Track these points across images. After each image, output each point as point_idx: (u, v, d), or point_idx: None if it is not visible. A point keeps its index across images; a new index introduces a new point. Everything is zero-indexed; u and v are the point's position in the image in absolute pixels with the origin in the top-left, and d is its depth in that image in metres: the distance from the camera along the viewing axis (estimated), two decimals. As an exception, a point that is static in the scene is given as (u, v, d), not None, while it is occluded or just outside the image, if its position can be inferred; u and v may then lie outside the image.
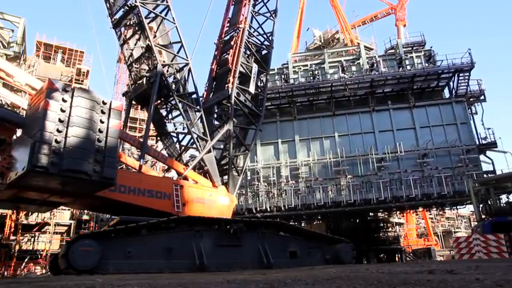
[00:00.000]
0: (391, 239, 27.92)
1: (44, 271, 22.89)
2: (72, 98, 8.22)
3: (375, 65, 24.42)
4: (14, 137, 8.88)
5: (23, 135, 8.26)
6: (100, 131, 8.46)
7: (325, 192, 21.93)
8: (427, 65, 23.99)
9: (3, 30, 23.16)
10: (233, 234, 10.46)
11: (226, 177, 14.85)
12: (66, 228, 27.81)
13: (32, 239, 26.17)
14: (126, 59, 14.27)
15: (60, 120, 7.86)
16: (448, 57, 23.38)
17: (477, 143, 22.17)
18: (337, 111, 24.55)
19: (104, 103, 8.80)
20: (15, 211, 23.94)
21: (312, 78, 25.20)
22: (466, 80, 23.23)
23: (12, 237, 23.81)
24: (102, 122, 8.57)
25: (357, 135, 23.79)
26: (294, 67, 26.47)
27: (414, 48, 26.39)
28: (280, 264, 10.63)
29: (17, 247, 24.11)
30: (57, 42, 31.10)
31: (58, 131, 7.76)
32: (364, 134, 23.73)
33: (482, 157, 22.21)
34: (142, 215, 10.22)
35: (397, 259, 26.86)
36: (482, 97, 23.99)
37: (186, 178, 12.78)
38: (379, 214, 28.08)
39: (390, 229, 29.74)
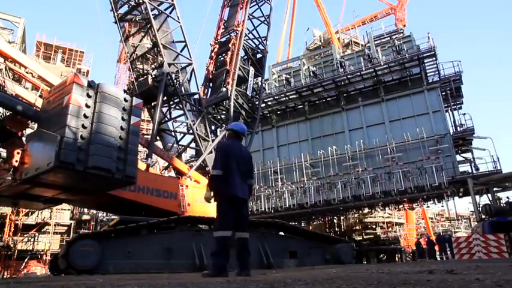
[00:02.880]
0: (391, 239, 27.95)
1: (44, 271, 22.89)
2: (96, 93, 8.01)
3: (337, 64, 24.65)
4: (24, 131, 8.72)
5: (41, 129, 7.96)
6: (122, 129, 8.28)
7: (292, 195, 22.66)
8: (384, 57, 23.47)
9: (3, 30, 23.17)
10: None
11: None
12: (66, 228, 27.85)
13: (32, 239, 26.18)
14: (129, 55, 14.11)
15: (85, 116, 7.65)
16: (417, 43, 23.14)
17: (451, 131, 21.26)
18: (311, 115, 25.29)
19: (126, 100, 8.61)
20: (15, 211, 23.95)
21: (288, 86, 25.92)
22: (435, 66, 22.65)
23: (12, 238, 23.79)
24: (123, 119, 8.38)
25: (329, 136, 24.31)
26: (278, 76, 27.40)
27: (393, 37, 26.06)
28: (280, 264, 10.62)
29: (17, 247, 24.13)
30: (57, 42, 31.19)
31: (83, 126, 7.55)
32: (336, 135, 24.12)
33: (475, 144, 21.38)
34: (149, 214, 10.23)
35: (397, 259, 26.88)
36: (457, 80, 22.79)
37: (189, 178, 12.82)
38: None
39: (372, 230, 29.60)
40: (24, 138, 8.60)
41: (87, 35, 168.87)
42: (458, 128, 21.67)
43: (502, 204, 17.43)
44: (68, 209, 28.04)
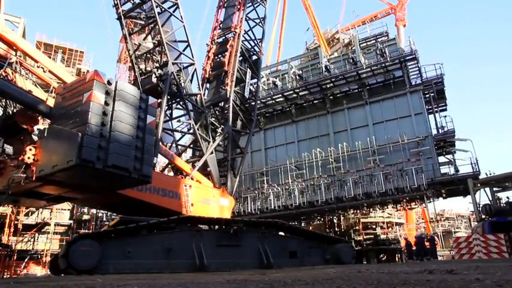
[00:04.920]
0: (391, 239, 27.94)
1: (44, 271, 22.88)
2: (115, 91, 7.96)
3: (323, 68, 24.79)
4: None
5: (57, 125, 7.82)
6: (139, 127, 8.25)
7: (277, 197, 23.00)
8: (367, 60, 23.45)
9: (3, 30, 23.09)
10: (233, 234, 10.45)
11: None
12: (66, 228, 27.82)
13: (32, 239, 26.16)
14: (131, 52, 13.97)
15: (105, 114, 7.60)
16: (402, 46, 23.20)
17: (432, 133, 20.85)
18: (297, 118, 25.61)
19: (142, 99, 8.57)
20: (15, 211, 23.93)
21: (275, 89, 26.22)
22: (417, 69, 22.54)
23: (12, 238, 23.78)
24: (140, 118, 8.36)
25: (314, 139, 24.54)
26: (267, 79, 27.57)
27: (378, 40, 25.94)
28: (280, 264, 10.62)
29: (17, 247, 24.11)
30: (57, 42, 31.14)
31: (103, 124, 7.49)
32: (322, 137, 24.32)
33: (458, 146, 21.05)
34: (153, 214, 10.25)
35: (397, 259, 26.87)
36: (440, 83, 22.34)
37: (191, 178, 12.86)
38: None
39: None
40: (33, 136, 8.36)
41: (87, 35, 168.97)
42: (439, 130, 21.42)
43: (502, 204, 17.38)
44: (68, 209, 28.02)
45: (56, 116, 8.08)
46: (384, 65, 22.65)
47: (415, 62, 22.40)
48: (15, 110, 8.99)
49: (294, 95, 25.49)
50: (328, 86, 24.43)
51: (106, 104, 7.72)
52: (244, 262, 10.29)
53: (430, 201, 21.50)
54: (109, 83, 7.92)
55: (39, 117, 8.85)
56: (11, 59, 9.06)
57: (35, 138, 8.19)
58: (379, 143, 21.61)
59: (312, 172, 22.81)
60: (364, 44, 26.38)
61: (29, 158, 7.59)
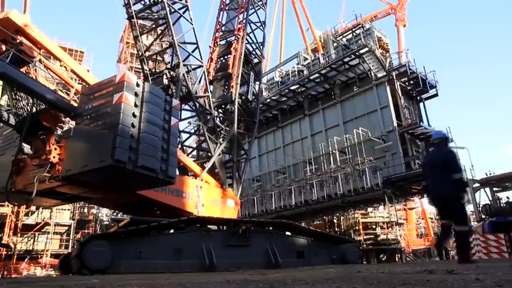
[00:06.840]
0: (391, 239, 27.99)
1: (44, 271, 22.91)
2: (142, 92, 7.97)
3: (294, 73, 25.51)
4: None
5: (83, 126, 7.76)
6: (164, 129, 8.28)
7: (261, 201, 23.72)
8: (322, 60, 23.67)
9: (3, 31, 23.07)
10: (241, 235, 10.47)
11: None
12: (66, 228, 27.88)
13: (32, 239, 26.19)
14: (142, 52, 13.84)
15: (134, 115, 7.63)
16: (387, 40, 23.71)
17: (396, 126, 19.91)
18: (283, 123, 26.49)
19: (167, 100, 8.58)
20: (15, 211, 23.94)
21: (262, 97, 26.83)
22: (375, 60, 21.66)
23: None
24: (165, 119, 8.39)
25: (297, 142, 25.22)
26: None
27: (355, 32, 25.62)
28: (287, 264, 10.64)
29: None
30: (57, 42, 31.12)
31: (133, 125, 7.52)
32: (302, 140, 24.87)
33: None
34: (165, 214, 10.36)
35: (397, 259, 26.91)
36: (405, 71, 20.87)
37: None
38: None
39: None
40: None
41: (87, 35, 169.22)
42: (404, 122, 20.10)
43: (502, 204, 17.39)
44: (68, 209, 28.07)
45: (82, 116, 7.98)
46: (342, 61, 22.37)
47: (371, 53, 21.59)
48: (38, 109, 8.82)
49: (274, 103, 26.09)
50: (300, 90, 24.70)
51: (135, 105, 7.74)
52: (253, 262, 10.28)
53: (396, 202, 21.01)
54: (137, 84, 7.94)
55: (63, 117, 8.69)
56: (37, 56, 8.88)
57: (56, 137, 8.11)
58: (350, 141, 21.23)
59: (296, 176, 23.25)
60: (345, 39, 26.39)
61: (54, 157, 7.56)
